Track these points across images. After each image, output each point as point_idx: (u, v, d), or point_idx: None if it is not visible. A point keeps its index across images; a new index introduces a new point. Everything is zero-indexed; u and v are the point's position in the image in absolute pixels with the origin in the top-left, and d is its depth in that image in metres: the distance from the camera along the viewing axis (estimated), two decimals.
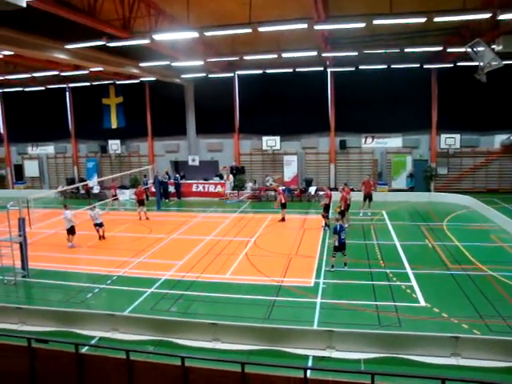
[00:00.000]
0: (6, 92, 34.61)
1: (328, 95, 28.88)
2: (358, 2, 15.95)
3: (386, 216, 22.60)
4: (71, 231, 18.80)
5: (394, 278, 13.99)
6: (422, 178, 27.73)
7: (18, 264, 15.34)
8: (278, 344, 9.99)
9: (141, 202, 23.70)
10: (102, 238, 19.75)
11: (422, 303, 12.05)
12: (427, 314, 11.43)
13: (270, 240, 19.05)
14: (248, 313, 11.92)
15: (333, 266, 14.90)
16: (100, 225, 19.68)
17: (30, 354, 7.99)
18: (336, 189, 27.51)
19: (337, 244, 14.86)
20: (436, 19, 13.55)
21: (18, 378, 7.79)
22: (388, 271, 14.65)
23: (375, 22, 13.45)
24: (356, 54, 20.81)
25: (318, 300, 12.53)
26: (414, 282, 13.55)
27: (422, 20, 13.51)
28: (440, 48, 20.32)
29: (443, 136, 27.20)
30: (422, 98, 27.52)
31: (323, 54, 21.50)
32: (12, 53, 17.47)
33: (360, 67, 25.33)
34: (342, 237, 14.85)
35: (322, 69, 26.72)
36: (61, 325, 11.31)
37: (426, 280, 13.76)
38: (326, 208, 20.49)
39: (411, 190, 27.98)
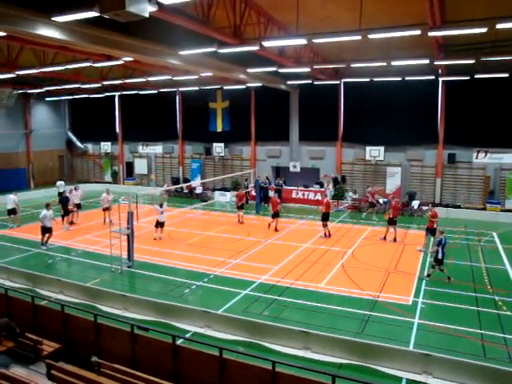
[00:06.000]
0: (124, 94, 37.30)
1: (438, 105, 27.32)
2: (478, 4, 14.86)
3: (496, 238, 20.82)
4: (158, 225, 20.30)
5: (504, 307, 12.78)
6: None
7: (125, 254, 16.45)
8: (370, 361, 9.61)
9: (239, 206, 24.11)
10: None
11: None
12: None
13: (367, 252, 18.45)
14: (341, 325, 11.61)
15: (429, 276, 14.90)
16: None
17: (132, 339, 8.51)
18: (442, 204, 26.07)
19: (440, 257, 14.53)
20: None
21: (120, 358, 8.33)
22: (497, 298, 13.45)
23: (499, 26, 12.45)
24: (473, 61, 19.38)
25: (416, 320, 11.87)
26: None
27: None
28: None
29: None
30: None
31: (436, 62, 20.33)
32: (132, 59, 18.78)
33: (476, 76, 23.64)
34: (444, 250, 14.62)
35: (433, 77, 25.28)
36: (159, 316, 11.90)
37: None
38: (325, 216, 20.71)
39: None
